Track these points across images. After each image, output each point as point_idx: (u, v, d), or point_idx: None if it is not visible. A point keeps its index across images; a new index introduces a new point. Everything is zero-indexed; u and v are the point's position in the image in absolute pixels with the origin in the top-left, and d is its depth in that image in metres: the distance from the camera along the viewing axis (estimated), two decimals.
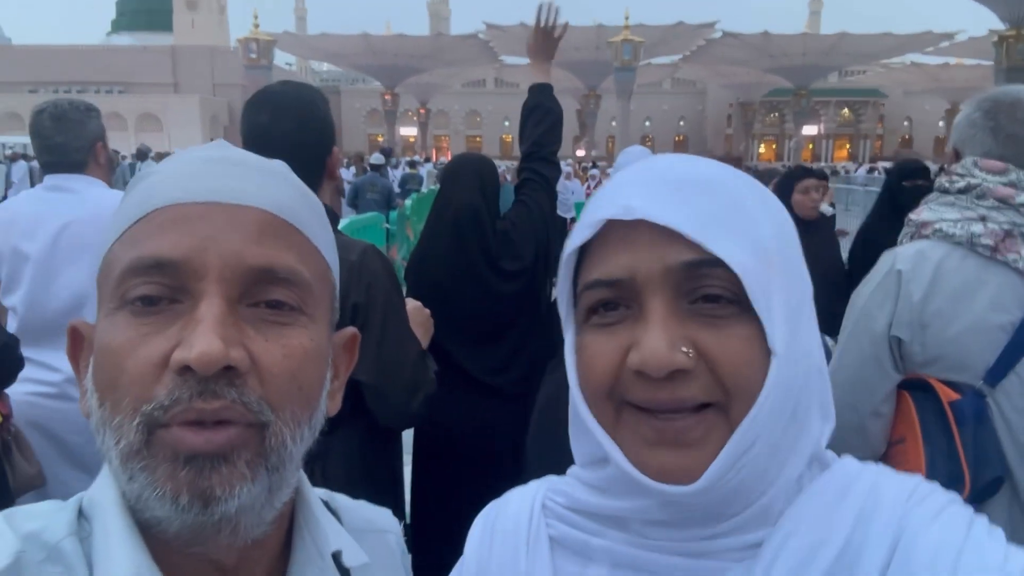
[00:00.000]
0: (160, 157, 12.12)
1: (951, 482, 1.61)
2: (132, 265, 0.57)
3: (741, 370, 0.55)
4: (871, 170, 41.70)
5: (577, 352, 0.61)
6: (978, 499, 1.61)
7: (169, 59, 71.34)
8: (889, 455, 1.80)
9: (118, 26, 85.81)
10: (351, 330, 0.71)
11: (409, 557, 0.84)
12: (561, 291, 0.64)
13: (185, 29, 77.21)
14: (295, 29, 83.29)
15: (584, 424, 0.60)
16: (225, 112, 67.50)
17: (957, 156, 1.77)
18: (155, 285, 0.56)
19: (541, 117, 2.75)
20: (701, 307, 0.56)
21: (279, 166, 0.66)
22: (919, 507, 0.56)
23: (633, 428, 0.57)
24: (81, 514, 0.60)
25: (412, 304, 2.08)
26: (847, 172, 38.11)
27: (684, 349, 0.54)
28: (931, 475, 1.63)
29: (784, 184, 4.30)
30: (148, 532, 0.57)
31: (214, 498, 0.54)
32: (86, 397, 0.60)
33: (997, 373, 1.60)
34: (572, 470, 0.68)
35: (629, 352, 0.56)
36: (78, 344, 0.63)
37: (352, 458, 1.92)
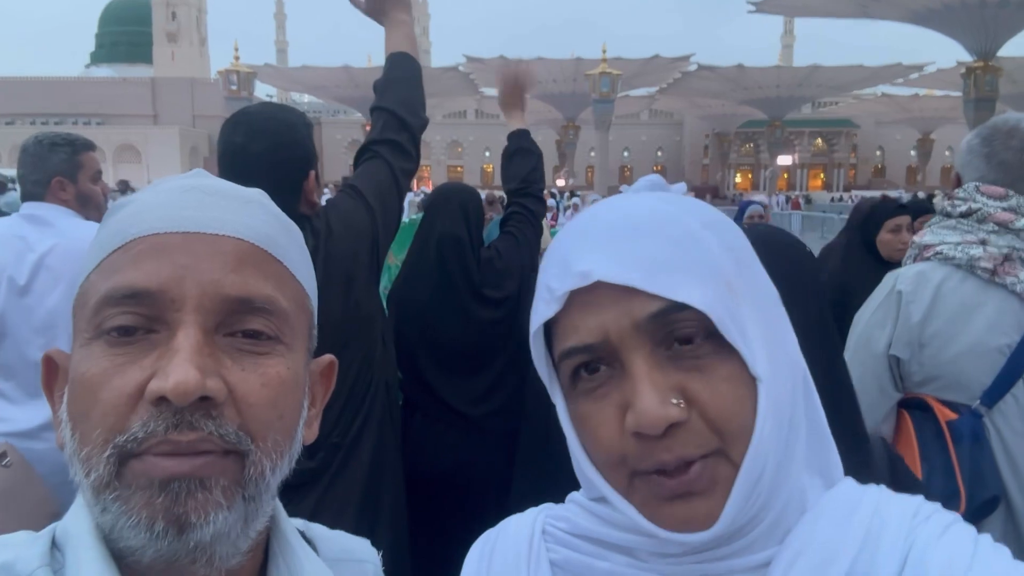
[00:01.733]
0: None
1: (947, 500, 1.63)
2: (108, 295, 0.56)
3: (731, 411, 0.55)
4: (841, 199, 42.39)
5: (576, 423, 0.61)
6: (974, 518, 1.64)
7: (149, 91, 71.28)
8: None
9: (97, 58, 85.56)
10: (328, 358, 0.71)
11: None
12: (538, 364, 0.64)
13: (165, 61, 77.17)
14: (276, 61, 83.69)
15: (592, 484, 0.61)
16: (205, 143, 67.36)
17: (959, 181, 1.83)
18: (131, 315, 0.56)
19: (523, 158, 2.89)
20: (680, 351, 0.56)
21: (256, 194, 0.65)
22: (926, 524, 0.57)
23: (646, 490, 0.57)
24: (54, 545, 0.59)
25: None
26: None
27: (675, 401, 0.54)
28: (928, 493, 1.67)
29: (870, 220, 3.53)
30: (122, 562, 0.57)
31: (189, 524, 0.53)
32: (61, 428, 0.58)
33: (994, 394, 1.64)
34: (573, 497, 0.68)
35: (626, 414, 0.56)
36: (52, 374, 0.62)
37: (358, 483, 1.92)
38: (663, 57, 49.72)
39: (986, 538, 0.57)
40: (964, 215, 1.73)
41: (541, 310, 0.61)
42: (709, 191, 62.64)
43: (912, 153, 73.61)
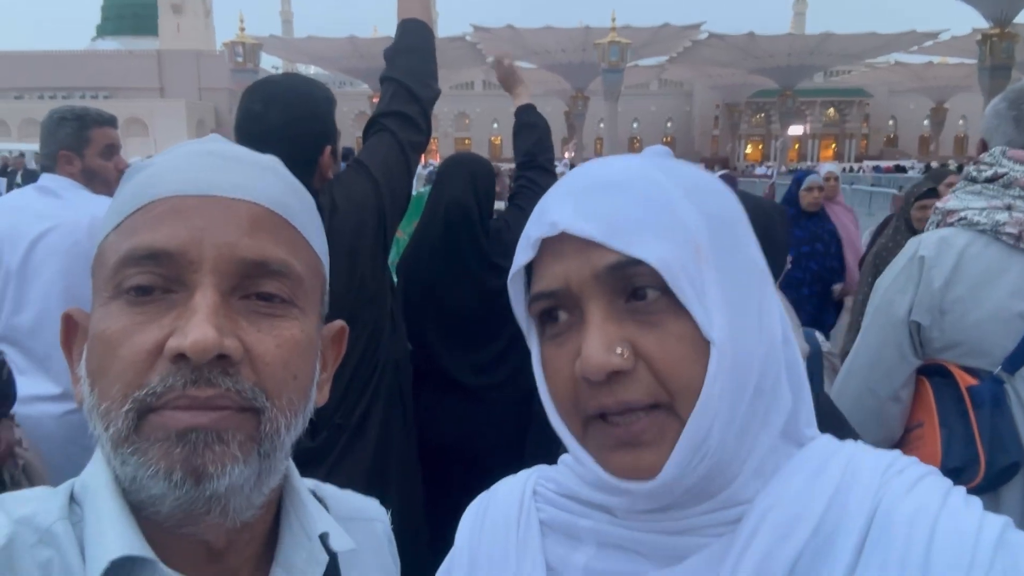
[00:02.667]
0: None
1: (967, 466, 1.63)
2: (128, 255, 0.58)
3: (678, 368, 0.56)
4: (853, 169, 41.93)
5: (542, 367, 0.64)
6: (993, 484, 1.64)
7: (155, 63, 71.01)
8: (906, 440, 1.83)
9: (103, 31, 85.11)
10: (339, 323, 0.73)
11: (395, 545, 0.86)
12: (516, 308, 0.67)
13: (171, 33, 76.77)
14: (281, 32, 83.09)
15: (558, 432, 0.64)
16: (212, 116, 67.21)
17: (984, 146, 1.81)
18: (150, 275, 0.57)
19: (529, 132, 2.91)
20: (635, 305, 0.58)
21: (271, 160, 0.67)
22: (896, 479, 0.58)
23: (597, 436, 0.59)
24: (73, 499, 0.61)
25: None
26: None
27: (619, 350, 0.56)
28: (947, 459, 1.67)
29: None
30: (140, 514, 0.59)
31: (206, 475, 0.55)
32: (80, 385, 0.61)
33: (1016, 360, 1.63)
34: (564, 458, 0.71)
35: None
36: (72, 332, 0.64)
37: (363, 465, 1.90)
38: (673, 25, 49.02)
39: (959, 491, 0.57)
40: (990, 180, 1.71)
41: (519, 256, 0.64)
42: (719, 162, 62.20)
43: (925, 123, 72.68)
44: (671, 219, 0.59)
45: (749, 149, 78.16)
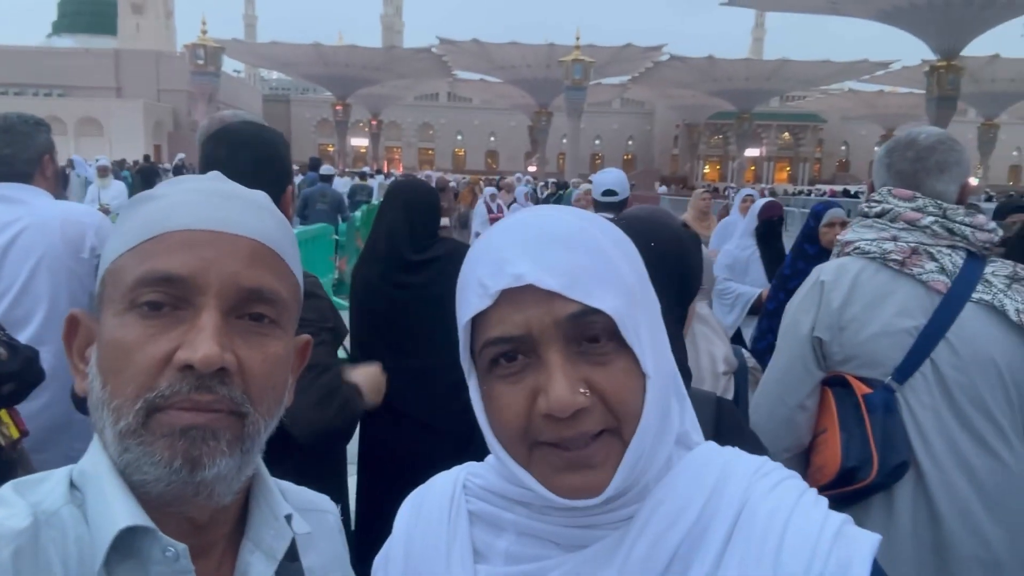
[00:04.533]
0: (106, 170, 11.59)
1: (862, 465, 1.83)
2: (145, 276, 0.68)
3: (626, 398, 0.66)
4: (801, 192, 42.88)
5: (486, 400, 0.70)
6: (887, 481, 1.83)
7: (112, 62, 69.46)
8: (813, 445, 2.03)
9: (59, 28, 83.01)
10: (304, 337, 0.83)
11: (344, 535, 0.94)
12: (463, 348, 0.73)
13: (130, 33, 75.34)
14: (244, 36, 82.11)
15: (498, 457, 0.71)
16: (170, 118, 66.05)
17: (872, 187, 2.07)
18: (162, 294, 0.68)
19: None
20: (587, 347, 0.66)
21: (264, 199, 0.79)
22: (761, 481, 0.69)
23: (544, 460, 0.67)
24: (72, 485, 0.71)
25: (368, 369, 2.15)
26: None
27: (582, 390, 0.64)
28: (846, 459, 1.87)
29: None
30: (134, 494, 0.69)
31: (201, 464, 0.66)
32: (86, 379, 0.72)
33: (905, 371, 1.84)
34: (490, 457, 0.79)
35: (536, 398, 0.65)
36: (73, 331, 0.75)
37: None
38: (636, 46, 49.87)
39: (811, 493, 0.69)
40: (879, 215, 1.94)
41: (473, 303, 0.69)
42: (678, 181, 63.23)
43: (876, 149, 74.68)
44: (614, 272, 0.68)
45: (707, 169, 79.47)
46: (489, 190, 12.08)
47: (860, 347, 1.87)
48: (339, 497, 2.15)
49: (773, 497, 0.67)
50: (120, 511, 0.67)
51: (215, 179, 0.78)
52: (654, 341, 0.69)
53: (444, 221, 3.39)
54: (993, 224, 1.89)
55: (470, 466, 0.83)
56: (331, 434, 1.89)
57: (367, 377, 2.10)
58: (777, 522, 0.65)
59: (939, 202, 1.88)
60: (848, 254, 1.97)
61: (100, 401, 0.69)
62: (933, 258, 1.84)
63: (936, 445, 1.79)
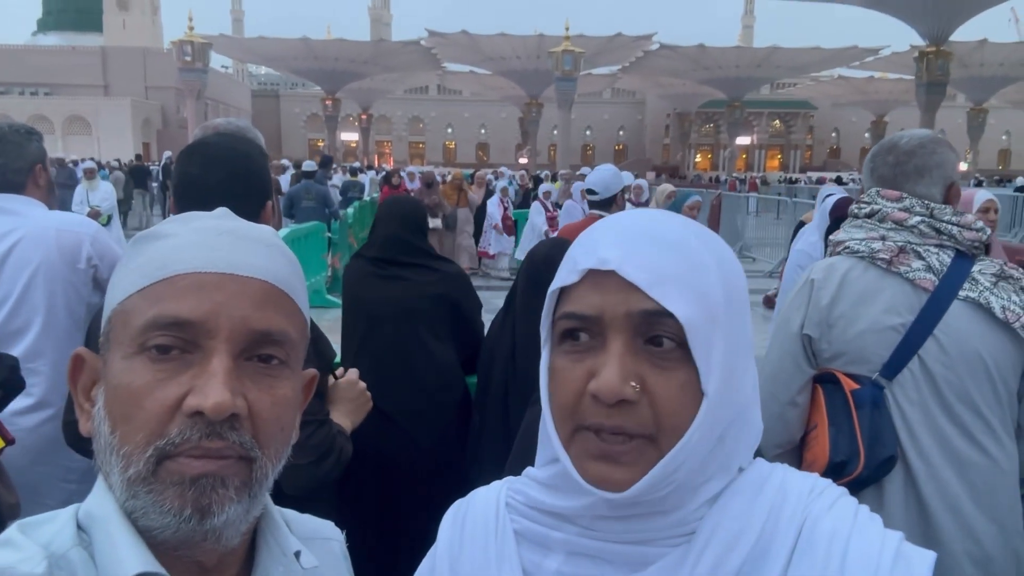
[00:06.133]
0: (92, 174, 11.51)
1: (850, 459, 1.86)
2: (154, 320, 0.67)
3: (675, 411, 0.66)
4: (793, 180, 42.88)
5: (551, 372, 0.73)
6: (875, 475, 1.86)
7: (99, 60, 69.02)
8: (805, 440, 2.05)
9: (45, 25, 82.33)
10: (311, 372, 0.82)
11: (349, 561, 0.93)
12: (544, 318, 0.75)
13: (116, 30, 74.82)
14: (231, 31, 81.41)
15: (547, 431, 0.73)
16: (158, 115, 65.72)
17: (863, 189, 2.11)
18: (172, 338, 0.67)
19: None
20: (652, 348, 0.67)
21: (273, 237, 0.77)
22: (818, 500, 0.70)
23: (582, 444, 0.69)
24: (79, 527, 0.70)
25: (348, 379, 1.99)
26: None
27: (633, 384, 0.65)
28: (834, 454, 1.89)
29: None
30: (141, 537, 0.68)
31: (210, 513, 0.65)
32: (91, 421, 0.71)
33: (892, 367, 1.86)
34: (528, 471, 0.81)
35: (591, 378, 0.67)
36: (79, 370, 0.74)
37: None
38: (626, 35, 49.73)
39: (864, 509, 0.71)
40: (868, 216, 1.98)
41: (563, 276, 0.72)
42: (669, 171, 63.28)
43: (866, 135, 75.07)
44: (702, 285, 0.68)
45: (699, 158, 79.63)
46: (545, 187, 11.69)
47: (848, 344, 1.90)
48: (328, 512, 2.16)
49: (831, 517, 0.68)
50: (130, 556, 0.66)
51: (223, 217, 0.76)
52: (728, 366, 0.69)
53: (435, 223, 3.47)
54: (980, 223, 1.91)
55: (509, 482, 0.83)
56: (325, 486, 1.87)
57: (351, 404, 1.98)
58: (838, 543, 0.66)
59: (926, 202, 1.91)
60: (838, 253, 2.00)
61: (108, 446, 0.68)
62: (920, 257, 1.87)
63: (924, 440, 1.82)
